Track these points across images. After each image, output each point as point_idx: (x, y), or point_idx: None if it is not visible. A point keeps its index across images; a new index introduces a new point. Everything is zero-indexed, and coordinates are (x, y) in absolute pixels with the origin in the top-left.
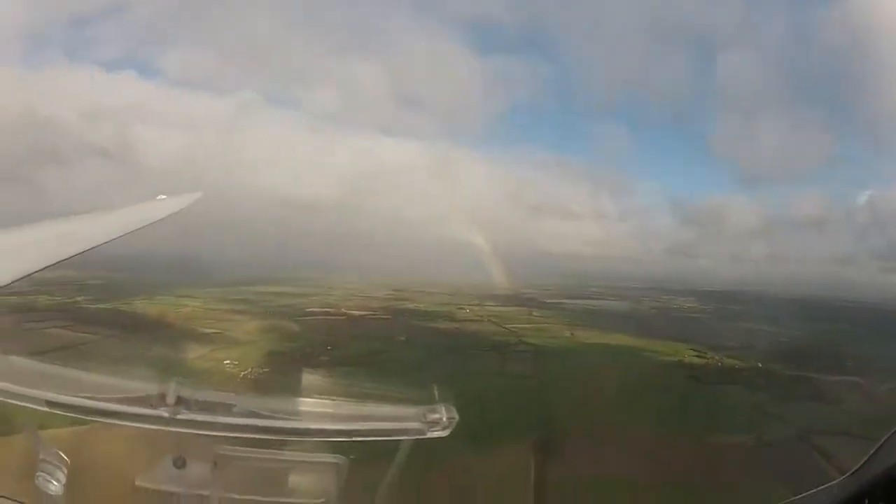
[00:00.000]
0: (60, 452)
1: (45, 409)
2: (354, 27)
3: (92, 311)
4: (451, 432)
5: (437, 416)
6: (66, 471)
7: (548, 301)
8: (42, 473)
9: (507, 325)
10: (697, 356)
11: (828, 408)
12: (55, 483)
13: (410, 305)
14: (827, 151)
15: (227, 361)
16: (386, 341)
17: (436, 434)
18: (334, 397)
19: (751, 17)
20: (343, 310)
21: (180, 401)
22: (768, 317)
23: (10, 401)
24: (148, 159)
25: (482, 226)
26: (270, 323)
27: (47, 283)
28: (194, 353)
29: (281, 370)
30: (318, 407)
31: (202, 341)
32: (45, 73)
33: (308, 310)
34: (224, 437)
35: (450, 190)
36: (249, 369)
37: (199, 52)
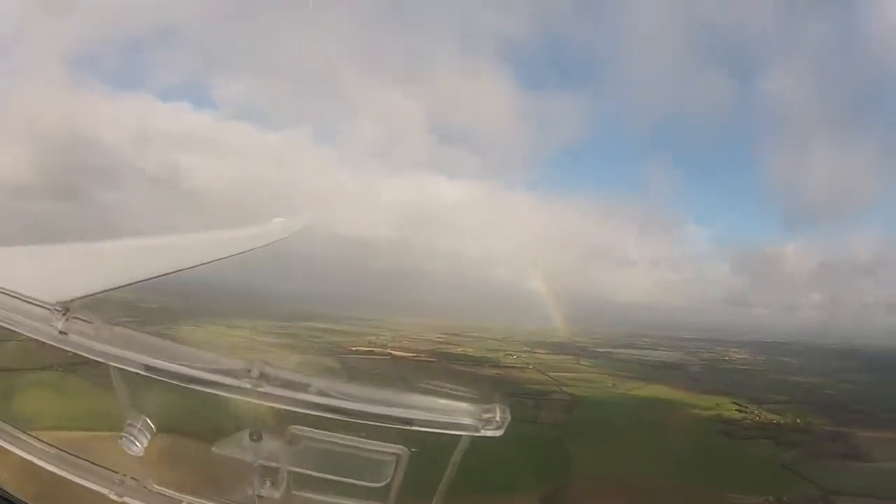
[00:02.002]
0: (148, 420)
1: (144, 372)
2: (402, 61)
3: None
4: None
5: (491, 415)
6: (149, 436)
7: (598, 350)
8: (126, 435)
9: (550, 374)
10: (738, 410)
11: (859, 466)
12: (138, 445)
13: (458, 350)
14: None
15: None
16: None
17: (489, 432)
18: (399, 388)
19: (795, 33)
20: (389, 350)
21: (262, 376)
22: (819, 368)
23: (112, 363)
24: (202, 189)
25: (537, 270)
26: (311, 359)
27: (106, 301)
28: (167, 388)
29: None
30: (383, 394)
31: None
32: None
33: (353, 348)
34: (297, 412)
35: (503, 231)
36: (215, 405)
37: (250, 83)
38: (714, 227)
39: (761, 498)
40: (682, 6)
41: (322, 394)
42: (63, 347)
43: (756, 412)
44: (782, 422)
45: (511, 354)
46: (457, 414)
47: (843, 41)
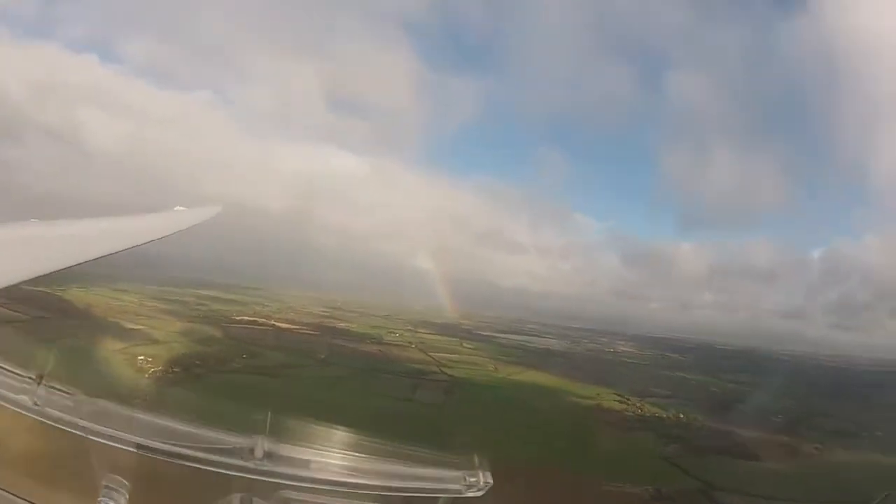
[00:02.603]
0: (122, 479)
1: (135, 450)
2: (300, 29)
3: (25, 292)
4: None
5: (475, 479)
6: (127, 496)
7: (483, 333)
8: (104, 498)
9: (431, 354)
10: (619, 401)
11: (738, 464)
12: None
13: (342, 324)
14: (782, 197)
15: (142, 357)
16: (304, 356)
17: (471, 494)
18: (390, 459)
19: (704, 35)
20: (272, 321)
21: (265, 454)
22: (707, 367)
23: (101, 441)
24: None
25: (426, 249)
26: (194, 326)
27: None
28: (114, 346)
29: (190, 372)
30: (377, 465)
31: (124, 336)
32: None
33: (236, 318)
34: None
35: (394, 207)
36: (160, 367)
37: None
38: (606, 221)
39: (640, 488)
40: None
41: (322, 470)
42: (41, 420)
43: (638, 405)
44: (664, 416)
45: (394, 332)
46: (444, 481)
47: (754, 50)
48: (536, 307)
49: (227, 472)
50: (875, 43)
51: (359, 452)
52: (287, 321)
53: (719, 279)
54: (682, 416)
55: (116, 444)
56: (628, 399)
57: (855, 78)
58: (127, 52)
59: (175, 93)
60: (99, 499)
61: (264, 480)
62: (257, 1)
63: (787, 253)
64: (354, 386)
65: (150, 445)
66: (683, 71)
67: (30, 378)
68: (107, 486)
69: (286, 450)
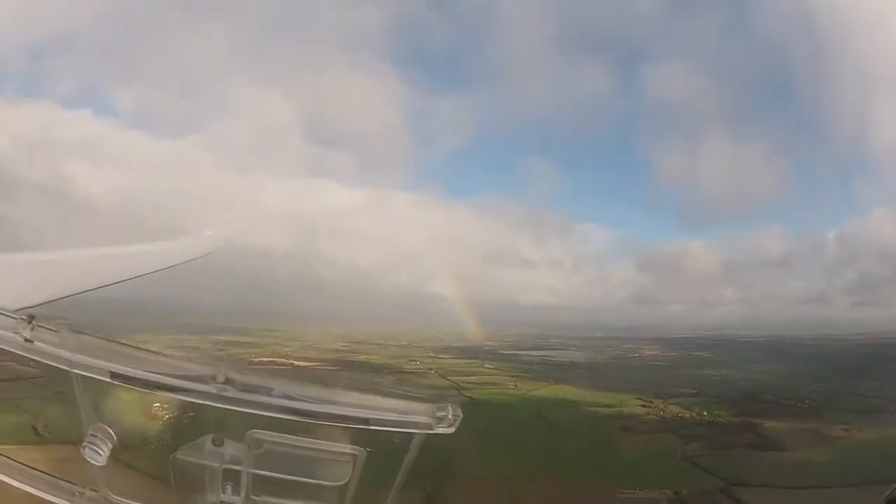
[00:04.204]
0: (108, 428)
1: (109, 379)
2: (286, 65)
3: None
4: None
5: (444, 413)
6: (111, 445)
7: (505, 352)
8: (88, 444)
9: (451, 378)
10: (642, 405)
11: (762, 456)
12: (101, 454)
13: (362, 357)
14: (783, 182)
15: (157, 405)
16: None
17: (442, 430)
18: (358, 391)
19: (678, 22)
20: (291, 360)
21: (228, 380)
22: (732, 361)
23: (77, 371)
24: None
25: (437, 274)
26: None
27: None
28: (129, 396)
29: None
30: (342, 396)
31: None
32: None
33: (256, 359)
34: (260, 416)
35: (395, 237)
36: (176, 413)
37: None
38: (611, 228)
39: (658, 492)
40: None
41: (285, 397)
42: (28, 356)
43: (661, 407)
44: (687, 415)
45: (414, 360)
46: (412, 413)
47: (732, 30)
48: (557, 321)
49: (192, 399)
50: (854, 3)
51: (324, 385)
52: (306, 359)
53: (735, 273)
54: (705, 413)
55: (96, 376)
56: (651, 402)
57: (840, 45)
58: (116, 102)
59: (165, 138)
60: (83, 444)
61: (233, 419)
62: (244, 31)
63: (798, 238)
64: None
65: (125, 373)
66: (662, 62)
67: (21, 318)
68: (92, 434)
69: (249, 378)
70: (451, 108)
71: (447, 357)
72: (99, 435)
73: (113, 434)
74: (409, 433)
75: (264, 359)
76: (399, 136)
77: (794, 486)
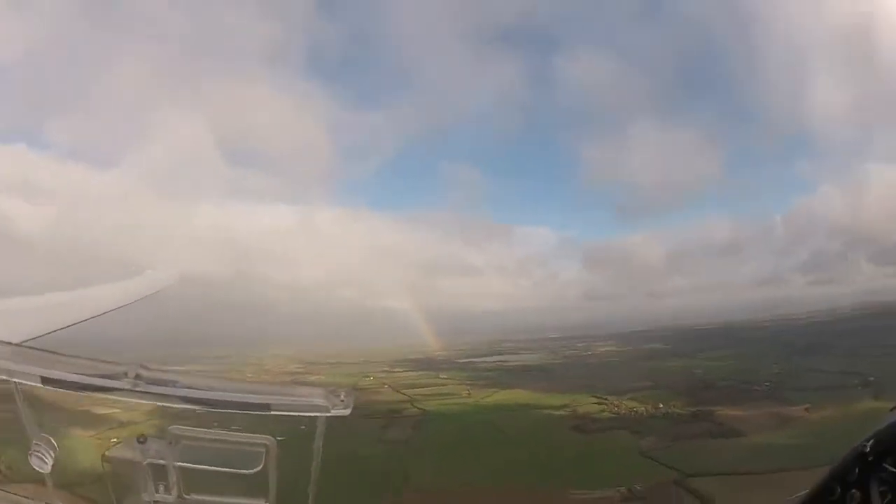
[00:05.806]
0: (51, 438)
1: (40, 384)
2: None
3: None
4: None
5: (337, 397)
6: (54, 453)
7: (459, 361)
8: (34, 453)
9: (405, 391)
10: (596, 403)
11: (719, 444)
12: (47, 462)
13: (314, 377)
14: (720, 167)
15: (114, 440)
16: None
17: (338, 412)
18: (259, 381)
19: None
20: None
21: (138, 377)
22: (687, 350)
23: (12, 379)
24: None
25: (386, 289)
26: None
27: None
28: (83, 431)
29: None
30: (245, 386)
31: (92, 421)
32: None
33: None
34: (174, 409)
35: (337, 253)
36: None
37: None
38: (550, 227)
39: (612, 490)
40: None
41: (189, 388)
42: None
43: (616, 403)
44: (642, 409)
45: (368, 376)
46: (308, 397)
47: (649, 14)
48: (510, 325)
49: (109, 395)
50: None
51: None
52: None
53: (682, 262)
54: (661, 405)
55: (27, 382)
56: (606, 399)
57: (767, 22)
58: (44, 134)
59: (95, 168)
60: (29, 453)
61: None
62: (163, 55)
63: (744, 223)
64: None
65: (55, 377)
66: (577, 51)
67: None
68: (36, 444)
69: (156, 374)
70: (371, 119)
71: (402, 370)
72: (42, 444)
73: (55, 443)
74: (313, 420)
75: None
76: (321, 154)
77: (754, 472)
